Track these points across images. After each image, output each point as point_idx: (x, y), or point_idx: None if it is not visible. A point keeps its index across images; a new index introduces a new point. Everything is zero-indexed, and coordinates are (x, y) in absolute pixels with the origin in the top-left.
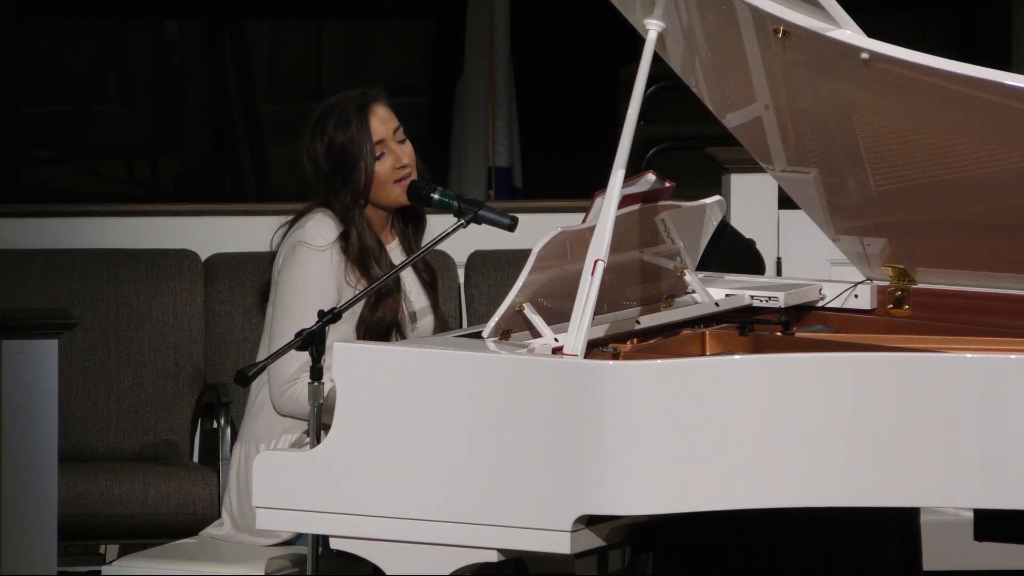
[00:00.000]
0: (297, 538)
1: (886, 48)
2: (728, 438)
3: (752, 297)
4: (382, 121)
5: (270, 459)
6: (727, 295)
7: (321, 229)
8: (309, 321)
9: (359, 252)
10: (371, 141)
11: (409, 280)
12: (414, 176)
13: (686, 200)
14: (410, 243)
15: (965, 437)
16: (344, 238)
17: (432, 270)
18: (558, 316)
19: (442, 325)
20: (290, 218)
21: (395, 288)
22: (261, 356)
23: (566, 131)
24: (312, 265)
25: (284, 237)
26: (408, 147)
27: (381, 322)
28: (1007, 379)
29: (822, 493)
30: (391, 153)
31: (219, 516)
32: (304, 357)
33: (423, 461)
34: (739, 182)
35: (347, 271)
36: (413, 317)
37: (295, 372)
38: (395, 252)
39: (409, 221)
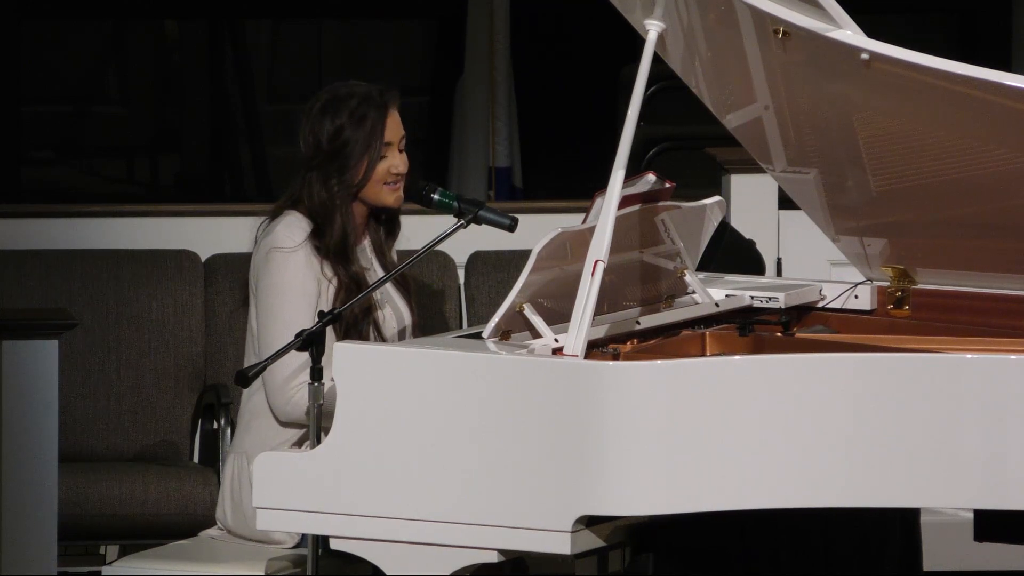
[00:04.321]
0: (298, 544)
1: (886, 48)
2: (728, 439)
3: (752, 297)
4: (395, 125)
5: (270, 459)
6: (727, 296)
7: (290, 232)
8: (299, 321)
9: (340, 241)
10: (382, 140)
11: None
12: (402, 186)
13: (686, 200)
14: (382, 246)
15: (965, 438)
16: (318, 235)
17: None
18: (558, 316)
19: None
20: (265, 219)
21: (361, 286)
22: (249, 364)
23: (566, 131)
24: (288, 267)
25: (257, 242)
26: (406, 158)
27: (356, 321)
28: (1007, 379)
29: (822, 494)
30: (392, 157)
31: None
32: (298, 362)
33: (423, 462)
34: (739, 182)
35: (322, 267)
36: (408, 329)
37: (289, 376)
38: (365, 252)
39: (384, 225)
